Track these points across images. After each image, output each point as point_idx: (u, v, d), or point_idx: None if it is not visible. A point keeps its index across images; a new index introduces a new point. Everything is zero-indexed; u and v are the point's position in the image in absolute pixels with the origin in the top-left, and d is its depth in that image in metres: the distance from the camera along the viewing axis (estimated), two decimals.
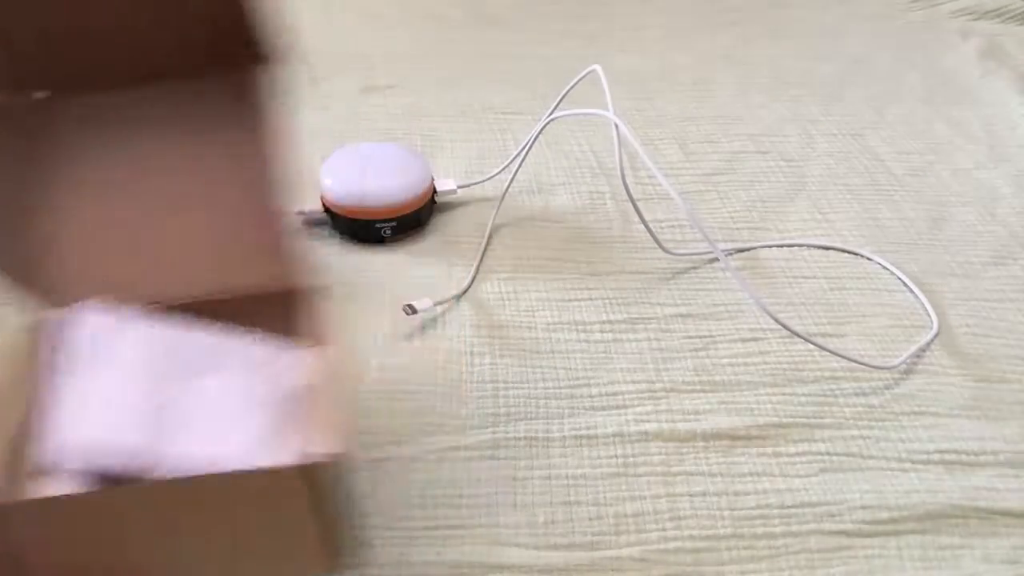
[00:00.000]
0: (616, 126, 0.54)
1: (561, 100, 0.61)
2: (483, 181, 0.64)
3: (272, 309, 0.37)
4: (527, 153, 0.61)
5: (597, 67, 0.57)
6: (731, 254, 0.60)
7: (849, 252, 0.60)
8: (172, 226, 0.37)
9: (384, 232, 0.58)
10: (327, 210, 0.58)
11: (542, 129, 0.61)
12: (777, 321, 0.47)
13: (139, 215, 0.37)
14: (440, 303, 0.53)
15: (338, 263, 0.56)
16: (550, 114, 0.61)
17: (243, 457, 0.31)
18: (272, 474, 0.29)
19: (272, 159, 0.36)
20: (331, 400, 0.32)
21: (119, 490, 0.29)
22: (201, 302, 0.37)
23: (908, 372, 0.50)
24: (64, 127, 0.35)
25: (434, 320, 0.52)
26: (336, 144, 0.63)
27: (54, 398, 0.31)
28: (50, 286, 0.36)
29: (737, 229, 0.62)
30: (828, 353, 0.50)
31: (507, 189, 0.61)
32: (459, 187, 0.63)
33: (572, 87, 0.60)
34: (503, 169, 0.64)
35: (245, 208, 0.38)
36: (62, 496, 0.28)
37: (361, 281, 0.55)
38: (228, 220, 0.38)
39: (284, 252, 0.38)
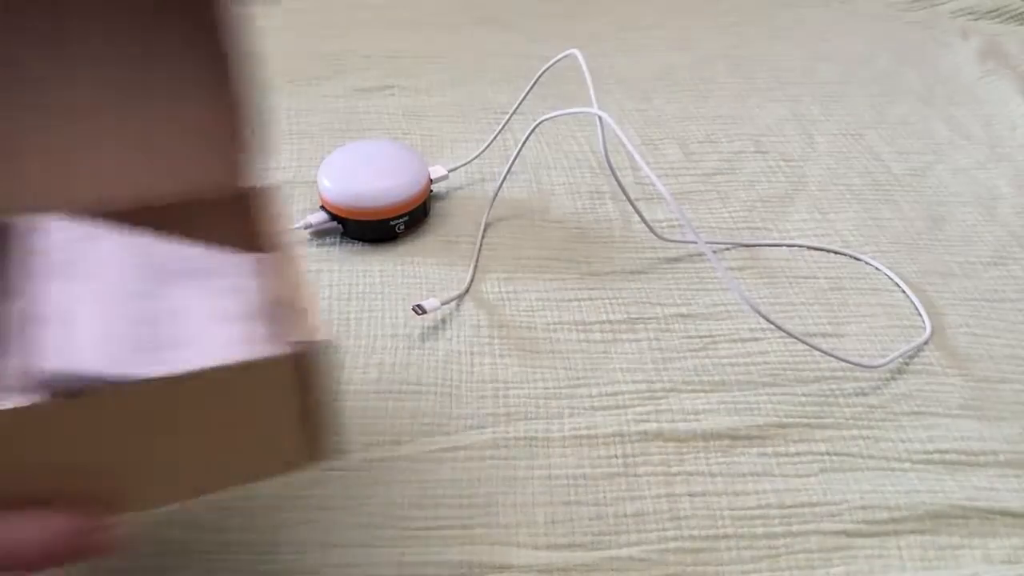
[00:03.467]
0: (600, 119, 0.54)
1: (536, 81, 0.62)
2: (467, 163, 0.66)
3: (224, 214, 0.36)
4: (521, 144, 0.61)
5: (575, 51, 0.58)
6: (723, 249, 0.60)
7: (840, 253, 0.60)
8: (109, 126, 0.34)
9: (398, 228, 0.58)
10: (335, 216, 0.58)
11: (516, 109, 0.63)
12: (762, 315, 0.47)
13: (69, 116, 0.34)
14: (447, 302, 0.53)
15: (347, 267, 0.56)
16: (525, 95, 0.63)
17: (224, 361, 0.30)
18: (257, 365, 0.29)
19: (230, 45, 0.33)
20: (302, 298, 0.31)
21: (91, 395, 0.27)
22: (147, 209, 0.35)
23: (908, 372, 0.50)
24: None
25: (434, 320, 0.52)
26: (336, 146, 0.63)
27: (28, 309, 0.29)
28: None
29: (737, 229, 0.62)
30: (825, 353, 0.50)
31: (500, 185, 0.62)
32: (449, 171, 0.63)
33: (548, 67, 0.61)
34: (481, 153, 0.66)
35: (196, 102, 0.35)
36: (31, 405, 0.26)
37: (367, 282, 0.55)
38: (176, 116, 0.35)
39: (240, 151, 0.35)
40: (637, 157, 0.51)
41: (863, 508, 0.42)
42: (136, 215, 0.35)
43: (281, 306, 0.33)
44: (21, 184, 0.34)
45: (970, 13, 0.99)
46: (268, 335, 0.33)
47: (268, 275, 0.35)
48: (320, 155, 0.66)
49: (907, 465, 0.45)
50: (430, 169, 0.62)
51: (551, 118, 0.59)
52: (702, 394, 0.48)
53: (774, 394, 0.49)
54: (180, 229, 0.35)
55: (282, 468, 0.33)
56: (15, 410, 0.26)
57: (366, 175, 0.58)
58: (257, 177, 0.36)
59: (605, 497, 0.43)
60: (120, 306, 0.30)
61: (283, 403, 0.30)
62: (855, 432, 0.46)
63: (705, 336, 0.52)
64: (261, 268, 0.35)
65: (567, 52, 0.59)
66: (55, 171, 0.34)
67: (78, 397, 0.27)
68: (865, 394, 0.49)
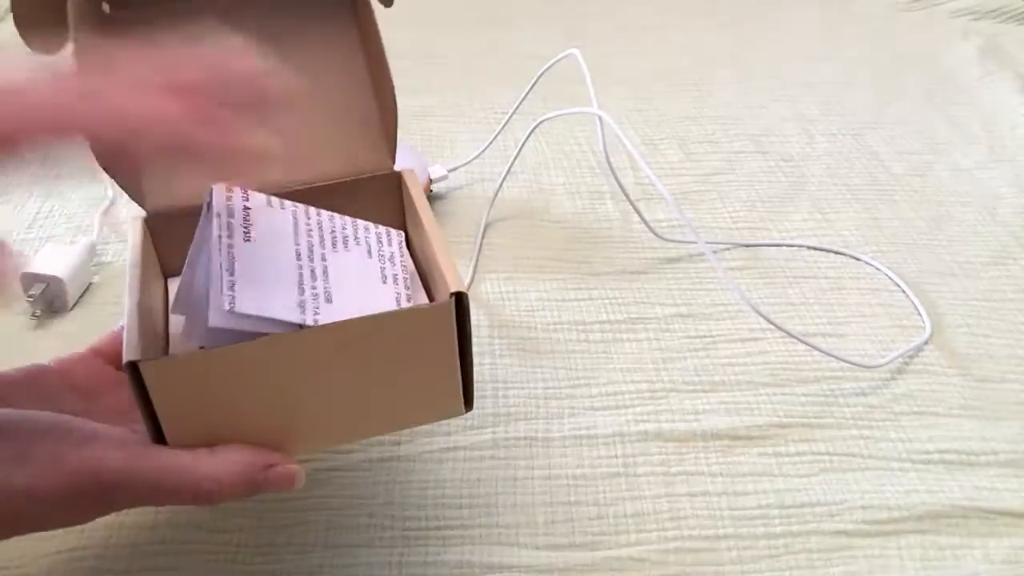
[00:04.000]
0: (600, 119, 0.54)
1: (536, 82, 0.62)
2: (467, 163, 0.66)
3: (376, 191, 0.40)
4: (521, 144, 0.61)
5: (575, 51, 0.58)
6: (723, 249, 0.60)
7: (841, 253, 0.60)
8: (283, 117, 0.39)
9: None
10: None
11: (516, 109, 0.63)
12: (762, 316, 0.47)
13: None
14: None
15: None
16: (525, 95, 0.63)
17: None
18: (421, 312, 0.32)
19: (371, 40, 0.38)
20: (446, 261, 0.34)
21: (268, 341, 0.30)
22: (304, 189, 0.39)
23: (908, 372, 0.50)
24: (158, 24, 0.37)
25: None
26: None
27: (210, 265, 0.32)
28: (154, 180, 0.38)
29: (737, 229, 0.62)
30: (824, 353, 0.50)
31: (500, 185, 0.62)
32: (449, 171, 0.64)
33: (548, 67, 0.61)
34: (481, 153, 0.66)
35: (344, 93, 0.40)
36: (215, 350, 0.30)
37: None
38: (327, 106, 0.40)
39: (386, 139, 0.40)
40: (637, 157, 0.51)
41: (863, 508, 0.42)
42: (303, 193, 0.39)
43: (427, 270, 0.37)
44: (207, 168, 0.37)
45: (970, 13, 0.99)
46: (416, 295, 0.36)
47: (414, 244, 0.39)
48: None
49: (907, 465, 0.45)
50: (430, 169, 0.62)
51: (551, 118, 0.59)
52: (702, 394, 0.48)
53: (774, 394, 0.48)
54: (339, 204, 0.38)
55: (438, 414, 0.36)
56: (200, 355, 0.30)
57: None
58: (394, 159, 0.40)
59: (605, 497, 0.43)
60: (289, 264, 0.33)
61: (443, 349, 0.33)
62: (855, 432, 0.46)
63: (705, 336, 0.52)
64: (408, 237, 0.39)
65: (567, 52, 0.59)
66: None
67: (257, 342, 0.30)
68: (865, 394, 0.49)
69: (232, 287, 0.30)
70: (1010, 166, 0.71)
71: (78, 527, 0.40)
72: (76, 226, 0.59)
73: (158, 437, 0.30)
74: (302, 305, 0.31)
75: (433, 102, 0.76)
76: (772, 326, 0.47)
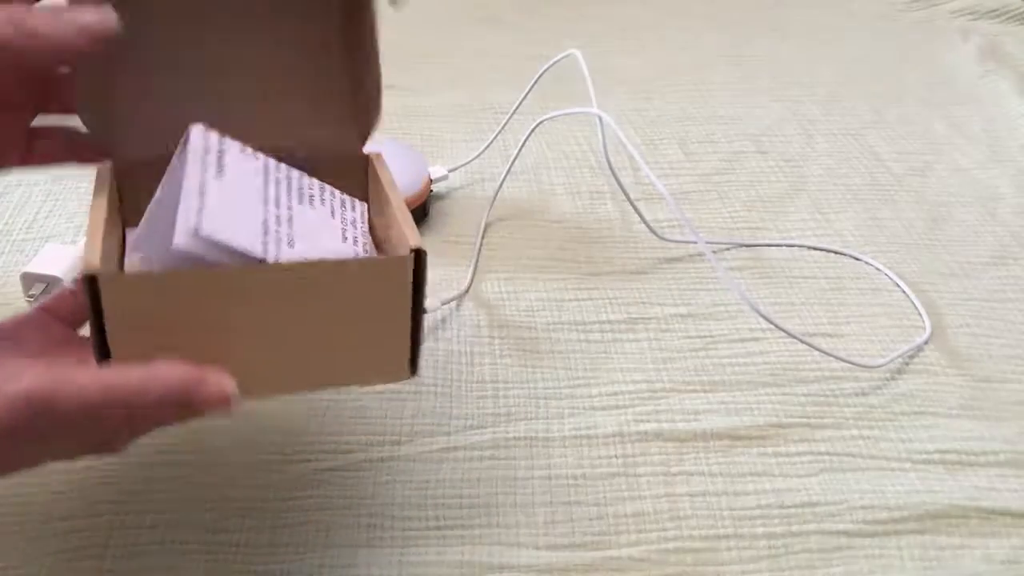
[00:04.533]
0: (600, 119, 0.54)
1: (536, 82, 0.62)
2: (467, 163, 0.66)
3: (341, 168, 0.40)
4: (521, 144, 0.61)
5: (575, 51, 0.58)
6: (723, 249, 0.60)
7: (841, 253, 0.60)
8: (248, 86, 0.39)
9: None
10: None
11: (516, 109, 0.63)
12: (763, 315, 0.47)
13: (210, 76, 0.39)
14: (447, 302, 0.53)
15: None
16: (525, 95, 0.63)
17: None
18: (379, 263, 0.33)
19: (361, 21, 0.39)
20: (407, 231, 0.34)
21: (231, 269, 0.31)
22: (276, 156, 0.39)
23: (908, 372, 0.50)
24: None
25: (434, 320, 0.52)
26: None
27: (180, 192, 0.32)
28: (129, 140, 0.38)
29: (737, 229, 0.62)
30: (824, 353, 0.50)
31: (500, 185, 0.62)
32: (449, 171, 0.64)
33: (548, 67, 0.61)
34: (481, 153, 0.66)
35: (323, 68, 0.40)
36: (174, 272, 0.30)
37: None
38: (300, 83, 0.40)
39: (364, 120, 0.40)
40: (637, 157, 0.51)
41: (863, 508, 0.42)
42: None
43: (388, 239, 0.37)
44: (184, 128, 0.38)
45: (970, 13, 0.99)
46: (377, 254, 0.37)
47: (376, 226, 0.39)
48: None
49: (907, 465, 0.45)
50: (430, 169, 0.62)
51: (551, 118, 0.59)
52: (702, 394, 0.48)
53: (774, 394, 0.48)
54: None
55: (384, 376, 0.36)
56: (159, 275, 0.30)
57: None
58: (371, 142, 0.40)
59: (605, 497, 0.43)
60: (257, 206, 0.33)
61: (397, 304, 0.33)
62: (855, 432, 0.46)
63: (705, 336, 0.52)
64: (373, 211, 0.40)
65: (567, 52, 0.59)
66: (211, 121, 0.38)
67: (217, 269, 0.31)
68: (865, 394, 0.49)
69: (200, 212, 0.31)
70: (1010, 166, 0.71)
71: (78, 528, 0.40)
72: (76, 226, 0.59)
73: (103, 356, 0.30)
74: (265, 243, 0.32)
75: (433, 102, 0.76)
76: (772, 326, 0.47)
